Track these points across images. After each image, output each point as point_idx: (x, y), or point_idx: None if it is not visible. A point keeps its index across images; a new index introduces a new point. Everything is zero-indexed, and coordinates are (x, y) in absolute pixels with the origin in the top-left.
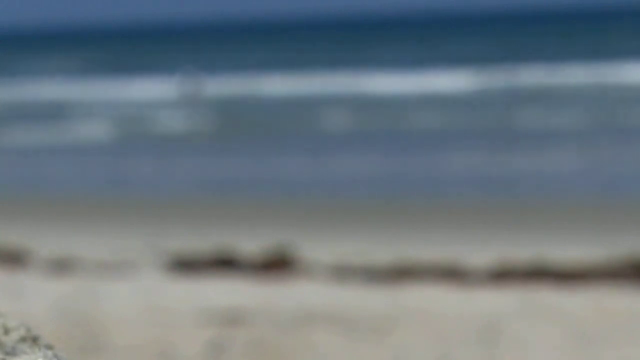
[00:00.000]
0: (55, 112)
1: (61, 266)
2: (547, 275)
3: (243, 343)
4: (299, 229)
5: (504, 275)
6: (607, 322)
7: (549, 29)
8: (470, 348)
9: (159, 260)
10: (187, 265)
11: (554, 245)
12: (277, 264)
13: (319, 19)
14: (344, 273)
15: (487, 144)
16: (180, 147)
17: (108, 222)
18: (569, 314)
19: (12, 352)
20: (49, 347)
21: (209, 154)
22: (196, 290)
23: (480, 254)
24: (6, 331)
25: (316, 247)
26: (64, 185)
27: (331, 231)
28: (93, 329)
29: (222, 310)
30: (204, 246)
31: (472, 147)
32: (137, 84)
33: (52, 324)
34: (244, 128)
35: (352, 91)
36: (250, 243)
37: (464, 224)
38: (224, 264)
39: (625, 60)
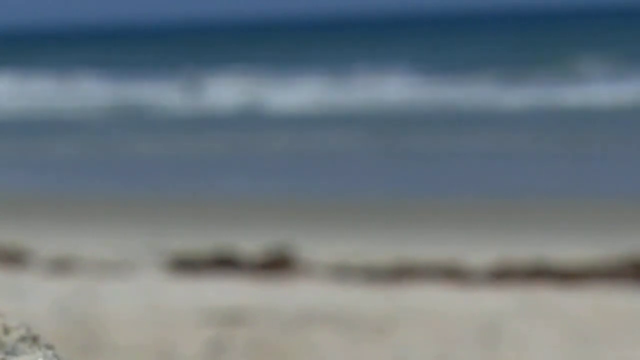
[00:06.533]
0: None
1: (61, 266)
2: (547, 275)
3: (243, 343)
4: (299, 229)
5: (504, 275)
6: (607, 322)
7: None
8: (470, 348)
9: (159, 260)
10: (187, 265)
11: (554, 245)
12: (277, 264)
13: (317, 18)
14: (344, 273)
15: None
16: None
17: (108, 222)
18: (569, 314)
19: (12, 351)
20: (49, 347)
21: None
22: (196, 290)
23: (480, 254)
24: (6, 331)
25: (316, 247)
26: (63, 184)
27: (331, 231)
28: (93, 329)
29: (222, 310)
30: (204, 246)
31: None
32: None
33: (52, 324)
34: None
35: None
36: (250, 243)
37: (464, 224)
38: (224, 264)
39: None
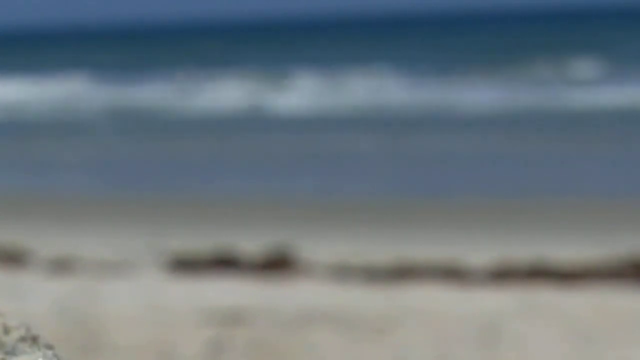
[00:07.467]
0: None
1: (61, 266)
2: (547, 275)
3: (243, 343)
4: (299, 229)
5: (504, 275)
6: (607, 322)
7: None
8: (470, 348)
9: (159, 260)
10: (187, 265)
11: (554, 245)
12: (277, 264)
13: (319, 18)
14: (344, 273)
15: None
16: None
17: (108, 222)
18: (569, 314)
19: (12, 351)
20: (49, 346)
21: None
22: (196, 290)
23: (480, 254)
24: (6, 331)
25: (316, 247)
26: (64, 185)
27: (331, 231)
28: (93, 329)
29: (222, 310)
30: (204, 246)
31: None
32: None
33: (52, 323)
34: None
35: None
36: (250, 243)
37: (464, 224)
38: (224, 264)
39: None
